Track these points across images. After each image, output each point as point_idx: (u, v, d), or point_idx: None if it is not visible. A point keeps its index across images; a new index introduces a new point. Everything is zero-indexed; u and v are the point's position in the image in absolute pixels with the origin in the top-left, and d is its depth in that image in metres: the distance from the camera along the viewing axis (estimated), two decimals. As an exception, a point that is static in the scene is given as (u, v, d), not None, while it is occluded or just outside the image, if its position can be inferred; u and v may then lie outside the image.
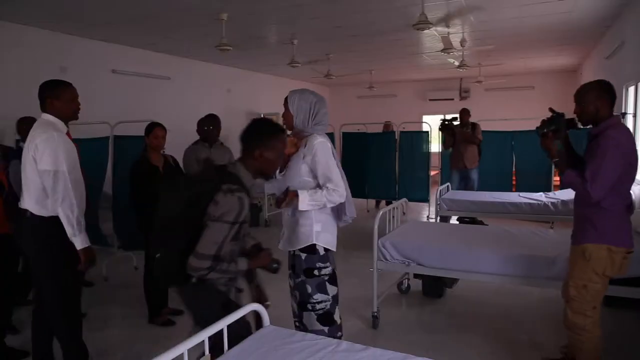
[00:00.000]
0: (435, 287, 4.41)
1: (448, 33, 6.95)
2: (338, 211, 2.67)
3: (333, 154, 2.59)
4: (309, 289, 2.60)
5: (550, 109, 2.72)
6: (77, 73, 7.21)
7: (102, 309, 4.37)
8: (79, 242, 2.65)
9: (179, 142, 5.25)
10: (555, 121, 2.64)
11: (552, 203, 5.49)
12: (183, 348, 1.70)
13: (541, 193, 6.02)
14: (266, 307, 2.26)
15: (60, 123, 2.78)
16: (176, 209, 2.02)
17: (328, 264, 2.63)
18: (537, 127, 2.69)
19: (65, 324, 2.81)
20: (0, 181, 3.66)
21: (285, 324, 2.40)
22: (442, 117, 7.10)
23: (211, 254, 1.92)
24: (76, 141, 5.80)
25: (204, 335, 1.82)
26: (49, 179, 2.59)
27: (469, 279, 3.81)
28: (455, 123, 6.94)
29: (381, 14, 6.19)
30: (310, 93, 2.65)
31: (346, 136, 8.46)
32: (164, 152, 4.04)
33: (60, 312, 2.78)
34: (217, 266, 1.94)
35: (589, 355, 2.68)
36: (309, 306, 2.62)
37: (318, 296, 2.60)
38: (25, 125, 4.01)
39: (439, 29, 6.78)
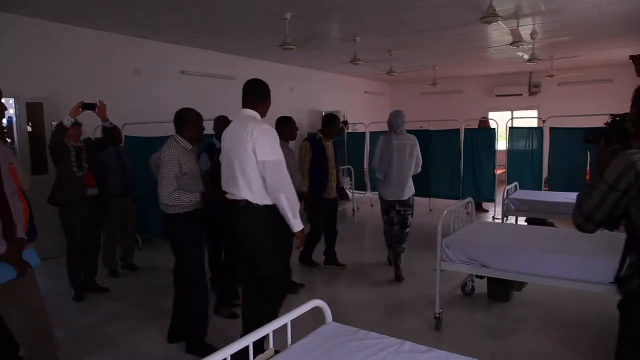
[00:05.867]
0: (501, 290, 4.24)
1: (517, 25, 6.64)
2: None
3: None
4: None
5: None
6: (150, 74, 7.61)
7: (169, 299, 4.59)
8: (298, 225, 2.90)
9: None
10: None
11: None
12: (249, 340, 1.74)
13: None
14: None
15: (259, 117, 3.03)
16: None
17: None
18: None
19: (275, 298, 3.09)
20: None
21: (344, 321, 2.40)
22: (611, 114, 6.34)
23: None
24: (148, 139, 6.18)
25: (269, 329, 1.86)
26: (271, 169, 2.80)
27: (539, 283, 3.63)
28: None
29: (447, 8, 6.02)
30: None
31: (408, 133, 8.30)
32: None
33: (273, 285, 3.04)
34: None
35: None
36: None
37: None
38: (221, 124, 4.32)
39: (508, 21, 6.49)
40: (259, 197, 2.87)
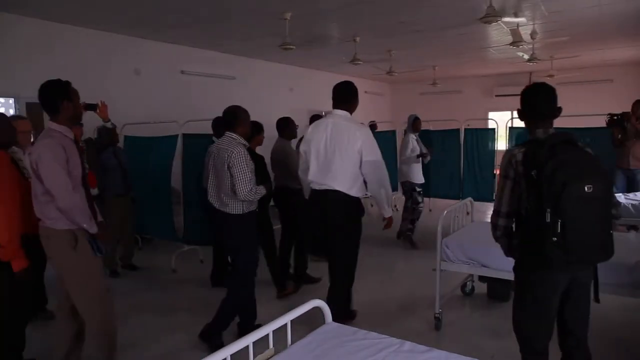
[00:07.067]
0: (501, 289, 4.23)
1: (517, 25, 6.64)
2: None
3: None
4: None
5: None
6: (150, 74, 7.61)
7: (169, 298, 4.60)
8: (390, 211, 3.47)
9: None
10: None
11: (632, 205, 5.10)
12: (249, 340, 1.74)
13: (620, 194, 5.61)
14: None
15: (350, 115, 3.39)
16: None
17: None
18: None
19: (351, 274, 3.51)
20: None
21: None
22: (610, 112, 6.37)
23: None
24: (147, 140, 6.17)
25: (269, 329, 1.86)
26: (376, 167, 3.25)
27: (539, 283, 3.63)
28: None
29: (447, 8, 6.02)
30: None
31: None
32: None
33: (352, 262, 3.48)
34: None
35: None
36: None
37: None
38: (219, 126, 4.50)
39: (507, 19, 6.48)
40: (355, 191, 3.28)
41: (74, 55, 6.50)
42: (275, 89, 10.07)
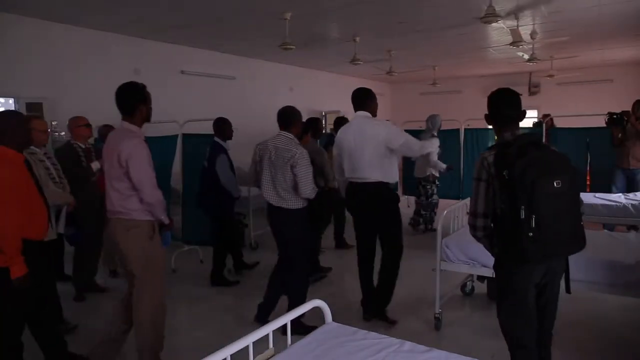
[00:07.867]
0: (501, 290, 4.23)
1: (517, 25, 6.64)
2: None
3: None
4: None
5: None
6: (149, 74, 7.61)
7: (169, 298, 4.59)
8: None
9: (242, 140, 5.39)
10: None
11: (632, 205, 5.10)
12: (248, 340, 1.74)
13: (619, 194, 5.61)
14: None
15: (371, 115, 3.72)
16: None
17: None
18: None
19: (399, 253, 3.80)
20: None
21: (344, 321, 2.40)
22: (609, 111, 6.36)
23: None
24: (147, 140, 6.13)
25: (269, 328, 1.86)
26: (406, 148, 3.69)
27: (539, 283, 3.62)
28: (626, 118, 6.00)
29: (447, 8, 6.03)
30: None
31: (409, 133, 8.28)
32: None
33: (399, 243, 3.77)
34: None
35: None
36: None
37: None
38: (221, 125, 4.64)
39: (508, 21, 6.49)
40: (384, 177, 3.58)
41: (74, 55, 6.50)
42: (275, 89, 10.06)
